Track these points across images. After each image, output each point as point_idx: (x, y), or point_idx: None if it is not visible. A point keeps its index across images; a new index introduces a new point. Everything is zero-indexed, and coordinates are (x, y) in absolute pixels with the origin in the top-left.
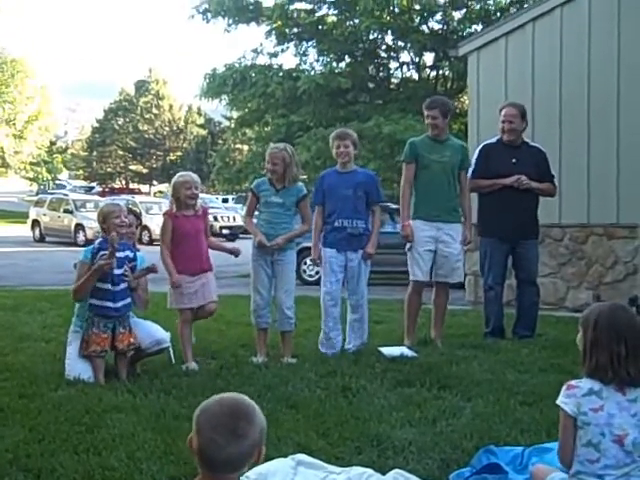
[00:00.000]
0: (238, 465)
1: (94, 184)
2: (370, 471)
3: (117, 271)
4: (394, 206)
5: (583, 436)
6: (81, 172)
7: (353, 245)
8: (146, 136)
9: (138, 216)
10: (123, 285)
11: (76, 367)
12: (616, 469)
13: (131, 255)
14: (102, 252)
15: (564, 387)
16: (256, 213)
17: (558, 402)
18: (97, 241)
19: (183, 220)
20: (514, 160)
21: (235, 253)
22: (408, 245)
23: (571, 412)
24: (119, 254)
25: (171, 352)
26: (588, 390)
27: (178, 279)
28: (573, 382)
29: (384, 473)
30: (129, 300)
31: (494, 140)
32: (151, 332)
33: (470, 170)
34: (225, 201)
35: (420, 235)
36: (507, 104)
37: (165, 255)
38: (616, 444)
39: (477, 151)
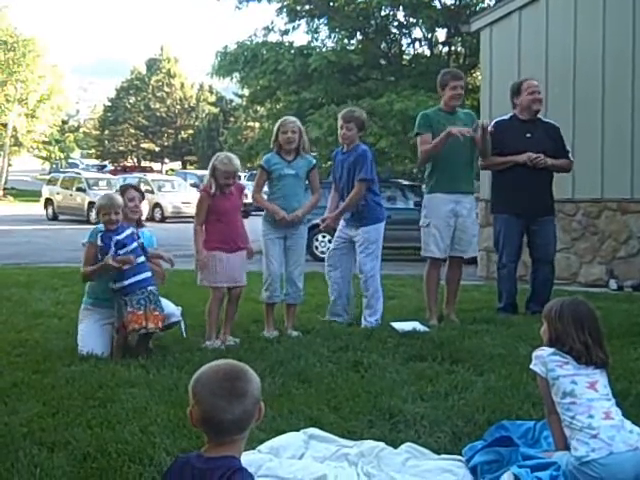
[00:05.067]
0: (245, 425)
1: (106, 162)
2: (382, 445)
3: (131, 246)
4: (405, 182)
5: (557, 390)
6: (93, 151)
7: (354, 222)
8: (158, 114)
9: (141, 192)
10: (139, 259)
11: (89, 343)
12: (599, 401)
13: (129, 232)
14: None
15: (533, 355)
16: (265, 189)
17: (530, 367)
18: (99, 226)
19: (220, 198)
20: (528, 135)
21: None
22: (424, 221)
23: (541, 372)
24: (119, 237)
25: (182, 326)
26: (552, 352)
27: (205, 258)
28: (538, 350)
29: (396, 447)
30: (149, 274)
31: (507, 117)
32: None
33: None
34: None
35: (442, 210)
36: (524, 78)
37: (196, 233)
38: (590, 389)
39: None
